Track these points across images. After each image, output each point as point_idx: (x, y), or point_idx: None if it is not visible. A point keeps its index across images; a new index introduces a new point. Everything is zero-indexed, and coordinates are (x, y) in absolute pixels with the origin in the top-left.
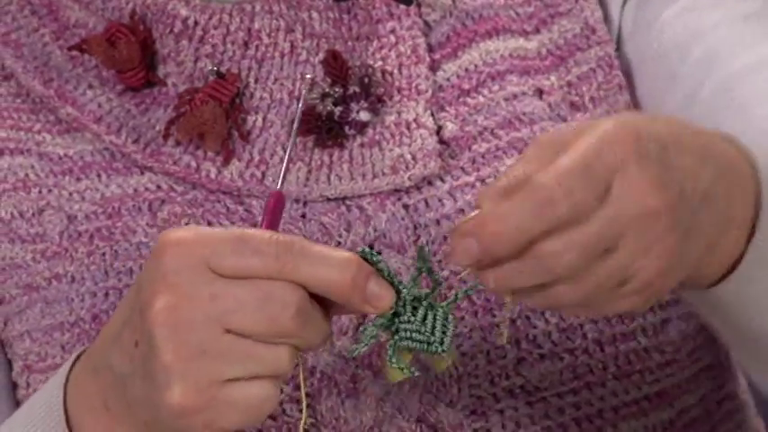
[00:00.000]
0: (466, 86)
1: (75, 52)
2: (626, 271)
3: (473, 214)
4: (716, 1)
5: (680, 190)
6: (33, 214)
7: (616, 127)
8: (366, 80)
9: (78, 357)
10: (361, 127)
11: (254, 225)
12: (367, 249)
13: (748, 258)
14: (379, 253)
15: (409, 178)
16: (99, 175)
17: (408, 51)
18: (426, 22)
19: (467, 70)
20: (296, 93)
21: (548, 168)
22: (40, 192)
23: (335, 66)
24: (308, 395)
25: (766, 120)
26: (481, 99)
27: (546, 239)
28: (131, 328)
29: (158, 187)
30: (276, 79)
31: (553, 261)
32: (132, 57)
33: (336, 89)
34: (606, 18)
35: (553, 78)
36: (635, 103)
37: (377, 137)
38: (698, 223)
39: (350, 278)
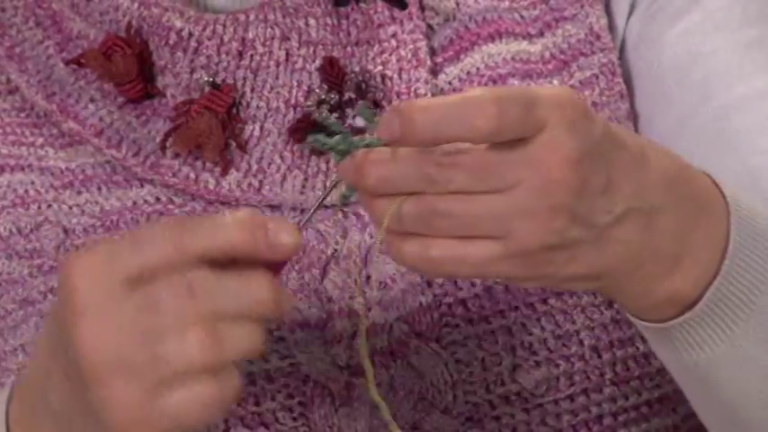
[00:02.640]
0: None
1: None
2: (501, 221)
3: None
4: (719, 25)
5: (604, 185)
6: (31, 230)
7: (573, 94)
8: (363, 86)
9: (9, 400)
10: (357, 133)
11: None
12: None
13: (705, 301)
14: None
15: None
16: (99, 188)
17: (409, 55)
18: (430, 26)
19: (468, 73)
20: (292, 101)
21: (492, 88)
22: (39, 207)
23: (332, 72)
24: (301, 404)
25: (755, 155)
26: None
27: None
28: (59, 362)
29: (157, 200)
30: (272, 88)
31: (442, 171)
32: (129, 70)
33: (332, 96)
34: (611, 26)
35: (555, 82)
36: (633, 113)
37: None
38: (620, 236)
39: (247, 235)
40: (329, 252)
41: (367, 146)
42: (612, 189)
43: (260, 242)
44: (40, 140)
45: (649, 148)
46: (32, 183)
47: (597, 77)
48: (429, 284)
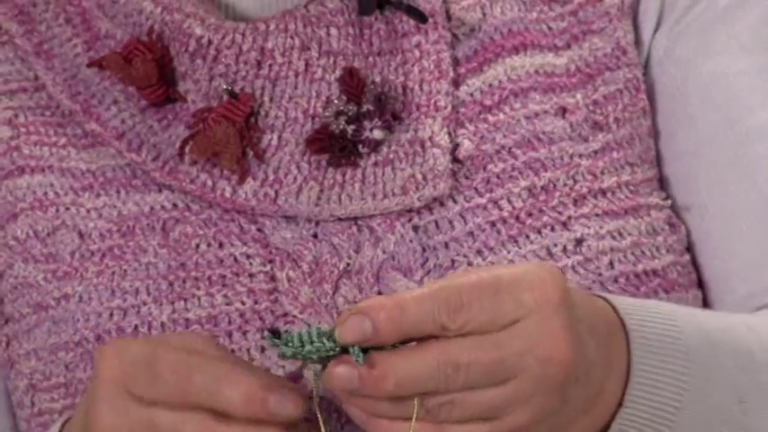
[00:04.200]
0: (488, 103)
1: None
2: (503, 409)
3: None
4: (745, 46)
5: (581, 341)
6: (48, 234)
7: (551, 271)
8: (381, 97)
9: None
10: (375, 145)
11: (266, 246)
12: (267, 334)
13: (613, 430)
14: (277, 332)
15: (418, 199)
16: (118, 192)
17: (431, 66)
18: (455, 36)
19: (490, 86)
20: (311, 111)
21: (467, 276)
22: (57, 210)
23: (352, 83)
24: (307, 419)
25: None
26: (501, 116)
27: (452, 342)
28: None
29: (174, 206)
30: (291, 98)
31: (458, 372)
32: (149, 74)
33: (351, 107)
34: (637, 41)
35: (579, 96)
36: (654, 130)
37: (391, 155)
38: (575, 394)
39: (250, 407)
40: (341, 266)
41: (343, 351)
42: (580, 355)
43: (260, 414)
44: (63, 140)
45: (577, 298)
46: (51, 185)
47: (621, 93)
48: None
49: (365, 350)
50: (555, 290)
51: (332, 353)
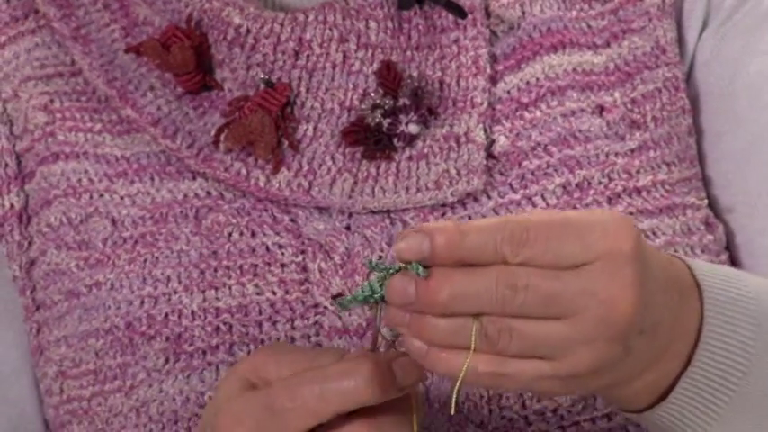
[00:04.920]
0: (524, 100)
1: None
2: (563, 347)
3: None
4: None
5: (648, 292)
6: (81, 221)
7: (625, 220)
8: (418, 92)
9: None
10: (410, 139)
11: (298, 237)
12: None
13: (679, 389)
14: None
15: (452, 194)
16: (152, 179)
17: (469, 62)
18: (494, 33)
19: (528, 83)
20: (347, 103)
21: (537, 214)
22: (90, 197)
23: (389, 77)
24: None
25: None
26: (538, 114)
27: (508, 267)
28: None
29: (208, 194)
30: (327, 89)
31: (516, 294)
32: (186, 61)
33: (387, 100)
34: (682, 41)
35: (617, 95)
36: (696, 131)
37: (425, 150)
38: (638, 347)
39: (377, 388)
40: (375, 258)
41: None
42: (646, 309)
43: (388, 392)
44: (98, 126)
45: (651, 253)
46: (86, 172)
47: (660, 91)
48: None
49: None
50: (628, 239)
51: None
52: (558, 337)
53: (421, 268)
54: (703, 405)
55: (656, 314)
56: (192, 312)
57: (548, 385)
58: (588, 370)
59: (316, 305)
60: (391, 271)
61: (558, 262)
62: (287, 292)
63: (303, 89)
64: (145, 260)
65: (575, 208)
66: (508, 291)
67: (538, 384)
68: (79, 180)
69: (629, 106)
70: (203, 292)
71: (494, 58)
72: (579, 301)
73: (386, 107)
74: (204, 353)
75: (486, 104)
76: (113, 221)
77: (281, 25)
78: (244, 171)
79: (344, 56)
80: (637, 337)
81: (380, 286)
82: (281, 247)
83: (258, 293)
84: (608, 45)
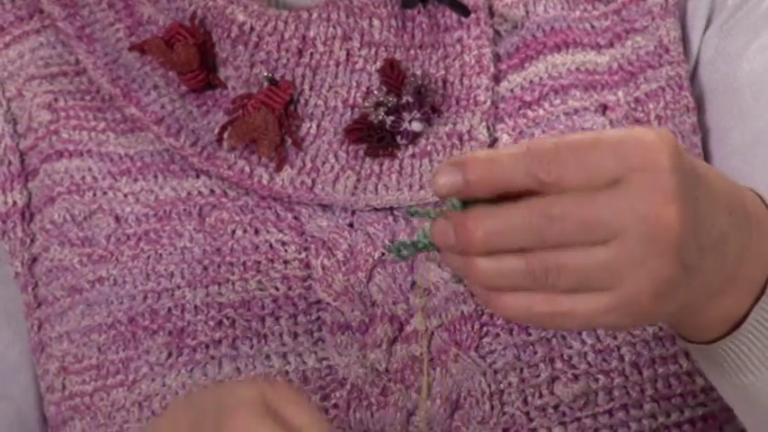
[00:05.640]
0: (528, 99)
1: None
2: (613, 273)
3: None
4: None
5: (697, 222)
6: (84, 218)
7: (661, 133)
8: (422, 90)
9: None
10: (413, 137)
11: (302, 234)
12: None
13: (751, 319)
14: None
15: None
16: (156, 177)
17: (472, 61)
18: (498, 32)
19: (531, 82)
20: (350, 101)
21: (569, 135)
22: (93, 195)
23: (392, 75)
24: (335, 406)
25: None
26: (541, 112)
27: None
28: None
29: (211, 192)
30: (331, 87)
31: (552, 224)
32: (190, 59)
33: (390, 98)
34: (686, 40)
35: (620, 94)
36: (702, 129)
37: (428, 147)
38: (702, 267)
39: None
40: (376, 256)
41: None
42: (700, 224)
43: None
44: (102, 125)
45: (711, 172)
46: (89, 169)
47: (663, 90)
48: (472, 294)
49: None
50: (665, 150)
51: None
52: (607, 263)
53: (459, 203)
54: None
55: (717, 231)
56: (195, 307)
57: (612, 319)
58: (648, 294)
59: (318, 301)
60: (432, 214)
61: (591, 179)
62: (289, 289)
63: (306, 87)
64: (148, 256)
65: None
66: (543, 221)
67: (601, 319)
68: (83, 177)
69: (632, 105)
70: (206, 287)
71: (497, 57)
72: (619, 221)
73: (389, 105)
74: (207, 347)
75: (489, 103)
76: (117, 218)
77: (285, 23)
78: (247, 169)
79: (348, 54)
80: (696, 255)
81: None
82: (284, 244)
83: (261, 289)
84: (611, 45)
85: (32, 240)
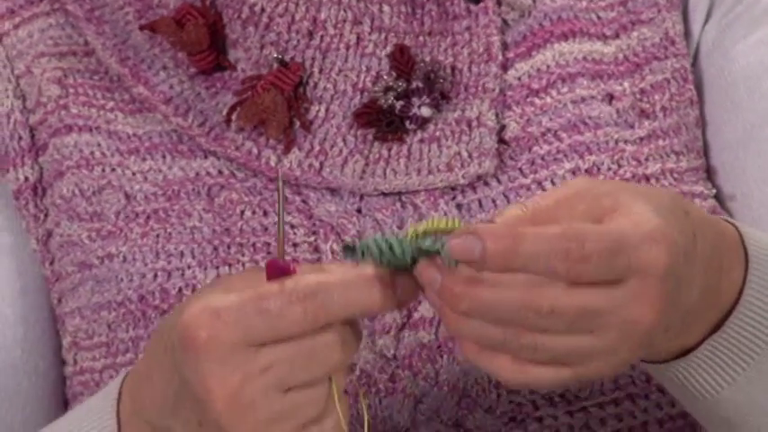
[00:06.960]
0: (535, 86)
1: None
2: (585, 357)
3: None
4: None
5: (671, 314)
6: (93, 193)
7: (659, 229)
8: (431, 76)
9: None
10: (422, 122)
11: (310, 217)
12: (343, 247)
13: (703, 349)
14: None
15: (463, 176)
16: (164, 157)
17: (481, 49)
18: (505, 21)
19: (538, 70)
20: (360, 85)
21: (588, 227)
22: (102, 170)
23: (402, 60)
24: (345, 392)
25: None
26: (548, 100)
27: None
28: (189, 408)
29: (219, 172)
30: (340, 70)
31: (541, 318)
32: (200, 40)
33: (400, 83)
34: (687, 33)
35: (626, 84)
36: (702, 121)
37: (437, 133)
38: (665, 338)
39: (378, 298)
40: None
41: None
42: (673, 314)
43: (390, 304)
44: (111, 104)
45: (699, 240)
46: (99, 145)
47: (669, 82)
48: None
49: None
50: (663, 253)
51: (410, 261)
52: (583, 349)
53: (453, 262)
54: (723, 367)
55: (688, 306)
56: None
57: (566, 386)
58: (608, 372)
59: None
60: (428, 248)
61: (601, 277)
62: None
63: (316, 69)
64: (158, 235)
65: None
66: (531, 314)
67: (557, 386)
68: (92, 152)
69: (638, 96)
70: (217, 268)
71: (505, 46)
72: (610, 320)
73: (398, 90)
74: None
75: (497, 90)
76: (126, 195)
77: (296, 5)
78: (255, 150)
79: (358, 38)
80: (662, 336)
81: (403, 252)
82: (293, 226)
83: None
84: (617, 36)
85: (46, 216)
